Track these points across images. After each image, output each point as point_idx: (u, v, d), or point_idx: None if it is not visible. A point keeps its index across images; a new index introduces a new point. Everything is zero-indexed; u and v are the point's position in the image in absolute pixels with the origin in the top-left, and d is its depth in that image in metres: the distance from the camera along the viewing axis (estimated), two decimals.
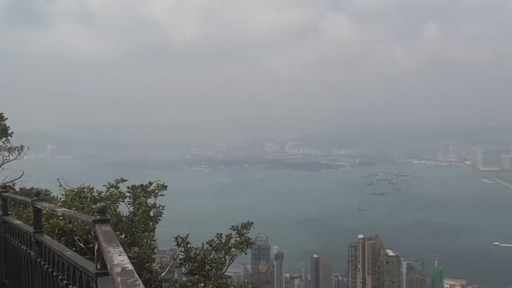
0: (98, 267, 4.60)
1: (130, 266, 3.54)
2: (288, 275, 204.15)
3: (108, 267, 3.78)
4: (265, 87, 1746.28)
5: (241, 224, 13.14)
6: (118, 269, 3.49)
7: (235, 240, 12.69)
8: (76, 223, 10.14)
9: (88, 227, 7.54)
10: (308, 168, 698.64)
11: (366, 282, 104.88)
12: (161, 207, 12.82)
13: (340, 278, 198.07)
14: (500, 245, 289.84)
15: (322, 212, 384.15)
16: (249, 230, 13.03)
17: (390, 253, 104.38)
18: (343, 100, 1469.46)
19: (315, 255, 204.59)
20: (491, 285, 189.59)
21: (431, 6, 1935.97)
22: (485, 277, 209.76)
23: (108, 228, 4.65)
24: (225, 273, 12.39)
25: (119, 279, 3.34)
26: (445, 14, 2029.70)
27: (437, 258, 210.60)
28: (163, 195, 12.94)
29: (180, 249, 12.41)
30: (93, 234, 5.28)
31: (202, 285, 11.16)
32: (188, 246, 12.48)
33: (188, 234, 13.04)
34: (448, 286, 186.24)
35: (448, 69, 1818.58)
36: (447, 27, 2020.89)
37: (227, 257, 12.50)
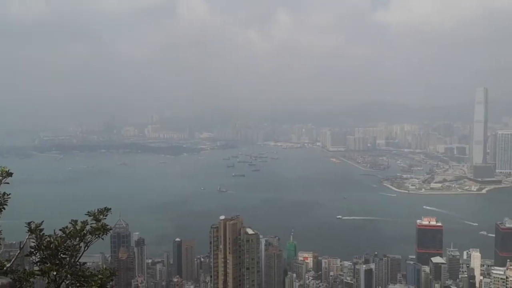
0: None
1: None
2: (149, 260, 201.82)
3: None
4: (120, 68, 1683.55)
5: (98, 210, 12.76)
6: None
7: (91, 227, 12.29)
8: None
9: None
10: (170, 152, 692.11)
11: (228, 261, 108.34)
12: (5, 195, 11.88)
13: (202, 259, 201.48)
14: (343, 218, 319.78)
15: (184, 196, 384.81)
16: (106, 216, 12.69)
17: (250, 231, 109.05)
18: (202, 83, 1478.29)
19: (177, 239, 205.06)
20: (338, 255, 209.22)
21: None
22: (333, 247, 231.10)
23: None
24: (81, 261, 11.97)
25: None
26: (297, 2, 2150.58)
27: (292, 233, 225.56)
28: (7, 183, 11.99)
29: (28, 236, 11.63)
30: None
31: (55, 273, 10.68)
32: (42, 233, 11.77)
33: (42, 221, 12.31)
34: (302, 258, 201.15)
35: (299, 54, 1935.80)
36: (298, 15, 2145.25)
37: (82, 244, 12.06)
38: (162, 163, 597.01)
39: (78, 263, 11.77)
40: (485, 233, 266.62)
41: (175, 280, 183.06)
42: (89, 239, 12.11)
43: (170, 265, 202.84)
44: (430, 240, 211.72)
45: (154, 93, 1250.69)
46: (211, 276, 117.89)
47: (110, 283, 11.86)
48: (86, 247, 12.22)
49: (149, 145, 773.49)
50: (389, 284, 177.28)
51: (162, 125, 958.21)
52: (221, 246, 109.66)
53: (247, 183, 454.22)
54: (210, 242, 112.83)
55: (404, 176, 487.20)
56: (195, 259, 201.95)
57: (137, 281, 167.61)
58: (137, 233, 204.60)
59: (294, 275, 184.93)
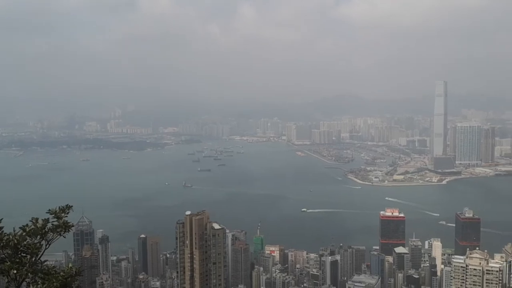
0: None
1: None
2: (114, 258, 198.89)
3: None
4: (82, 62, 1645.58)
5: (59, 207, 12.33)
6: None
7: (52, 224, 11.86)
8: None
9: None
10: (133, 147, 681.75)
11: (194, 256, 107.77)
12: None
13: (168, 255, 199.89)
14: (307, 211, 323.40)
15: (148, 192, 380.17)
16: (67, 213, 12.31)
17: (216, 226, 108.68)
18: (165, 77, 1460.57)
19: (143, 235, 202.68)
20: (305, 247, 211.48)
21: None
22: (299, 240, 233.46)
23: None
24: (42, 259, 11.53)
25: None
26: None
27: (259, 227, 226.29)
28: None
29: None
30: None
31: (15, 271, 10.24)
32: (1, 231, 11.27)
33: (1, 219, 11.77)
34: (268, 252, 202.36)
35: (264, 48, 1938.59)
36: (263, 9, 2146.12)
37: (43, 242, 11.61)
38: (126, 159, 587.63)
39: (39, 261, 11.33)
40: (444, 222, 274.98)
41: (141, 277, 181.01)
42: (50, 237, 11.72)
43: (136, 262, 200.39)
44: (393, 230, 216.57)
45: (116, 87, 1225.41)
46: (177, 272, 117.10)
47: (75, 282, 11.50)
48: (48, 245, 11.81)
49: (112, 140, 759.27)
50: (354, 275, 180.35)
51: (125, 120, 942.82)
52: (187, 242, 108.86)
53: (213, 178, 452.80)
54: (176, 238, 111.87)
55: (368, 168, 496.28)
56: (161, 256, 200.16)
57: (101, 278, 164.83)
58: (101, 230, 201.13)
59: (261, 268, 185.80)
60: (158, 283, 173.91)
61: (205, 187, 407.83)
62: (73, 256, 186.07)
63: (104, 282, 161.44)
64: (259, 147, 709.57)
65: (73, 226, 12.76)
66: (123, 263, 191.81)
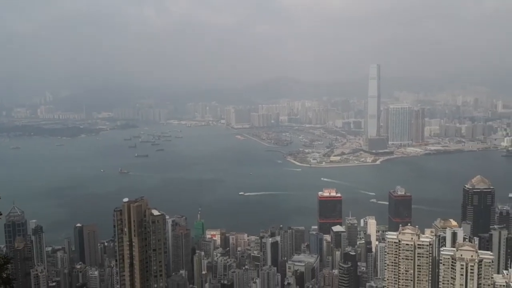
0: None
1: None
2: (49, 248, 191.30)
3: None
4: (9, 45, 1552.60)
5: None
6: None
7: None
8: None
9: None
10: (66, 133, 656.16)
11: (133, 244, 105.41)
12: None
13: (106, 244, 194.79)
14: (245, 194, 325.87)
15: (83, 179, 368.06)
16: None
17: (156, 213, 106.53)
18: (97, 61, 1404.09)
19: (79, 224, 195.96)
20: (246, 230, 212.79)
21: None
22: (240, 223, 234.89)
23: None
24: None
25: None
26: None
27: (199, 212, 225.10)
28: None
29: None
30: None
31: None
32: None
33: None
34: (209, 236, 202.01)
35: (200, 32, 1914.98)
36: None
37: None
38: (59, 146, 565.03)
39: None
40: (375, 200, 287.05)
41: (78, 267, 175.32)
42: None
43: (72, 252, 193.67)
44: (330, 210, 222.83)
45: (46, 72, 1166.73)
46: (116, 260, 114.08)
47: (6, 271, 10.36)
48: None
49: (43, 127, 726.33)
50: (294, 255, 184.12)
51: (56, 106, 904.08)
52: (126, 229, 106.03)
53: (151, 164, 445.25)
54: (114, 226, 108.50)
55: (306, 150, 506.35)
56: (99, 244, 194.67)
57: (36, 270, 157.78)
58: (34, 220, 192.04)
59: (202, 253, 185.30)
60: (96, 272, 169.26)
61: (143, 173, 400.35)
62: (4, 249, 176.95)
63: (39, 274, 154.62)
64: (198, 131, 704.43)
65: (0, 214, 11.51)
66: (59, 254, 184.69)
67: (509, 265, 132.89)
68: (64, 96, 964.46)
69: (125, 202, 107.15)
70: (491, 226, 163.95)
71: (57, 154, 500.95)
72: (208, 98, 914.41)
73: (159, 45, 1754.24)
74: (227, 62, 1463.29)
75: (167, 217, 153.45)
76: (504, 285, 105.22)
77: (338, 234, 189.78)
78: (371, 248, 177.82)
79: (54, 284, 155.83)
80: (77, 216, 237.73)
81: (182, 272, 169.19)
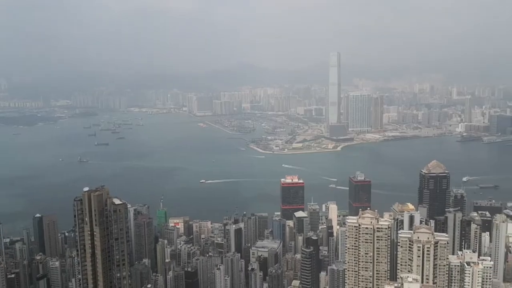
0: None
1: None
2: (7, 240, 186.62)
3: None
4: None
5: None
6: None
7: None
8: None
9: None
10: (23, 122, 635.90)
11: (95, 233, 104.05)
12: None
13: (67, 234, 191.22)
14: (206, 182, 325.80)
15: (41, 169, 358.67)
16: None
17: (117, 201, 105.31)
18: (54, 47, 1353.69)
19: (38, 215, 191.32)
20: (209, 218, 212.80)
21: None
22: (204, 211, 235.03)
23: None
24: None
25: None
26: None
27: (161, 200, 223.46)
28: None
29: None
30: None
31: None
32: None
33: None
34: (173, 224, 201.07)
35: (159, 18, 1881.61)
36: None
37: None
38: (16, 135, 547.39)
39: None
40: (334, 186, 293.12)
41: (38, 257, 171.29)
42: None
43: (32, 242, 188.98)
44: (293, 196, 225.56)
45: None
46: (77, 250, 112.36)
47: None
48: None
49: None
50: (257, 241, 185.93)
51: (12, 93, 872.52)
52: (87, 219, 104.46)
53: (112, 152, 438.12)
54: (75, 216, 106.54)
55: (269, 137, 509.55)
56: (59, 235, 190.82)
57: None
58: None
59: (166, 241, 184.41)
60: (57, 263, 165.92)
61: (103, 161, 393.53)
62: None
63: None
64: (159, 119, 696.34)
65: None
66: (18, 245, 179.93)
67: (463, 246, 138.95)
68: (20, 83, 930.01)
69: (85, 191, 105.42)
70: (446, 209, 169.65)
71: (13, 143, 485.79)
72: (170, 85, 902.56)
73: (119, 31, 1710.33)
74: (187, 48, 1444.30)
75: (129, 206, 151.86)
76: (458, 265, 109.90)
77: (300, 219, 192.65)
78: (332, 233, 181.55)
79: (13, 276, 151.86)
80: (36, 206, 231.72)
81: (145, 260, 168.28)
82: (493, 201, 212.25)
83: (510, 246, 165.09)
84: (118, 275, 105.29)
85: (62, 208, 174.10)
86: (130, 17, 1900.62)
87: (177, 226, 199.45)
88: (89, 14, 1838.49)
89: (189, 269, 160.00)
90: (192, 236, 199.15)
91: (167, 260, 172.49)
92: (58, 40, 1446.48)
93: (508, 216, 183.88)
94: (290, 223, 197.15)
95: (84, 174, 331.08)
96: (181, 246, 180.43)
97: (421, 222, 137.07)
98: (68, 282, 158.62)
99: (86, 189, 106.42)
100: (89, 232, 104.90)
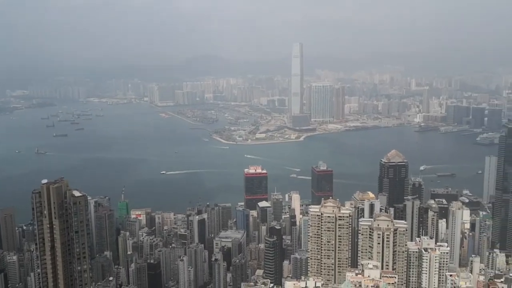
0: None
1: None
2: None
3: None
4: None
5: None
6: None
7: None
8: None
9: None
10: None
11: (54, 226, 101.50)
12: None
13: (25, 227, 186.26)
14: (167, 173, 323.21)
15: None
16: None
17: (77, 193, 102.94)
18: (6, 35, 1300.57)
19: None
20: (172, 209, 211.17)
21: None
22: (167, 202, 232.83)
23: None
24: None
25: None
26: None
27: (123, 192, 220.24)
28: None
29: None
30: None
31: None
32: None
33: None
34: (134, 216, 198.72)
35: (119, 7, 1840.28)
36: None
37: None
38: None
39: None
40: (295, 175, 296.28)
41: None
42: None
43: None
44: (256, 186, 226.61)
45: None
46: (36, 244, 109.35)
47: None
48: None
49: None
50: (221, 231, 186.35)
51: None
52: (46, 212, 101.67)
53: (71, 143, 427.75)
54: (33, 209, 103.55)
55: (232, 128, 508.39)
56: (17, 228, 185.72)
57: None
58: None
59: (127, 233, 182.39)
60: (15, 257, 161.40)
61: (62, 153, 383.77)
62: None
63: None
64: (120, 109, 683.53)
65: None
66: None
67: (421, 233, 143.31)
68: None
69: (44, 184, 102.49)
70: (405, 197, 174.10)
71: None
72: (130, 75, 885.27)
73: (77, 21, 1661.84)
74: (149, 39, 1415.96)
75: (89, 198, 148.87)
76: (416, 251, 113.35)
77: (264, 209, 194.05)
78: (295, 222, 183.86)
79: None
80: None
81: (107, 253, 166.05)
82: (450, 189, 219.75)
83: (466, 232, 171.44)
84: (79, 268, 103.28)
85: (20, 201, 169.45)
86: (91, 6, 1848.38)
87: (139, 218, 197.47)
88: (47, 2, 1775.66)
89: (152, 261, 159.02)
90: (154, 227, 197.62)
91: (129, 252, 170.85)
92: (13, 29, 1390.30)
93: (463, 203, 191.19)
94: (253, 213, 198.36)
95: (42, 166, 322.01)
96: (143, 238, 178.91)
97: (381, 210, 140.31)
98: (27, 276, 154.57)
99: (44, 181, 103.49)
100: (48, 225, 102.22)
